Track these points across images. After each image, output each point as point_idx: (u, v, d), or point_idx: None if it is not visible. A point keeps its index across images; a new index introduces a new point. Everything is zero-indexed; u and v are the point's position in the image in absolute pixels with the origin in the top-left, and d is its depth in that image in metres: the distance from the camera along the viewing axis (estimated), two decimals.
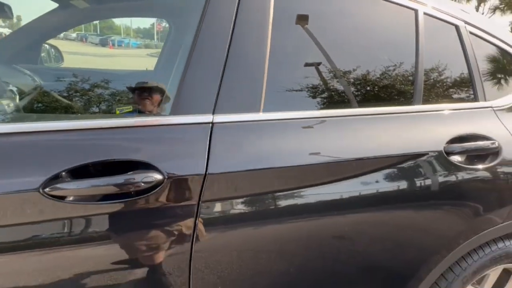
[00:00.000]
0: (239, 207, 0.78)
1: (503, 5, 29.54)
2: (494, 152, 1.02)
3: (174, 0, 1.48)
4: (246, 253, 0.80)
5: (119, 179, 0.66)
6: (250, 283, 0.83)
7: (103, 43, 1.88)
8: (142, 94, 0.92)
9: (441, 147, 0.95)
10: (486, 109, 1.10)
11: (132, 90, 0.98)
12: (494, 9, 30.66)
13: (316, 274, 0.89)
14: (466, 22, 1.12)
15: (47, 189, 0.63)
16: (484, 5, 31.54)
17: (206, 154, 0.74)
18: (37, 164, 0.65)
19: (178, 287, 0.75)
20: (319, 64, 0.94)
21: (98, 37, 1.85)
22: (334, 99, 0.97)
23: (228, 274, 0.79)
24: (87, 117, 0.89)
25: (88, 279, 0.69)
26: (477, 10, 31.93)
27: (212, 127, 0.76)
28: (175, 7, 1.40)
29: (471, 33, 1.12)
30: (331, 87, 0.98)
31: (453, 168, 0.96)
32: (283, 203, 0.82)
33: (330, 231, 0.87)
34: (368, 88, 1.02)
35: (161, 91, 0.91)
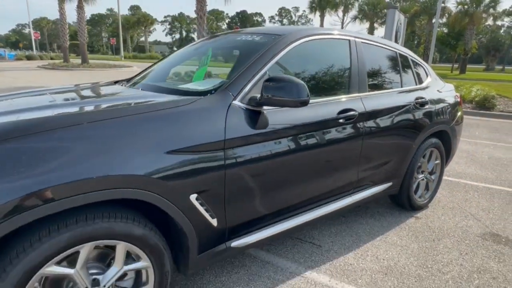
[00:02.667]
0: (373, 120, 2.33)
1: (361, 16, 36.95)
2: (426, 102, 2.82)
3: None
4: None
5: (350, 114, 2.15)
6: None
7: None
8: None
9: (413, 101, 2.69)
10: (420, 87, 2.91)
11: None
12: (355, 18, 38.18)
13: (363, 161, 2.50)
14: (409, 55, 2.92)
15: (335, 117, 2.07)
16: (347, 14, 38.62)
17: (362, 104, 2.27)
18: (334, 109, 2.08)
19: (356, 159, 2.26)
20: (371, 73, 2.56)
21: None
22: (376, 86, 2.59)
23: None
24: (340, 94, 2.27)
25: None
26: (342, 19, 38.88)
27: (361, 97, 2.30)
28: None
29: (412, 61, 2.92)
30: (375, 83, 2.61)
31: (418, 109, 2.71)
32: (377, 124, 2.40)
33: (376, 139, 2.48)
34: (386, 83, 2.69)
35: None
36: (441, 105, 3.01)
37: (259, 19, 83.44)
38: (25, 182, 1.12)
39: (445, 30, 33.63)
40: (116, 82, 2.52)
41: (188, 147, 1.48)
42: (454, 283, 2.09)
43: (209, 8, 14.45)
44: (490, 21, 34.55)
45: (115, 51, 55.45)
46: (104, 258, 1.45)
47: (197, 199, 1.54)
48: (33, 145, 1.20)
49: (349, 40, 2.37)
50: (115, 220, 1.34)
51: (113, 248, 1.42)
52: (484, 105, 9.40)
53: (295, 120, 1.88)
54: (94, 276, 1.39)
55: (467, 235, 2.70)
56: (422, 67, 3.09)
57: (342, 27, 41.98)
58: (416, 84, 2.91)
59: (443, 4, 28.12)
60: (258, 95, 1.72)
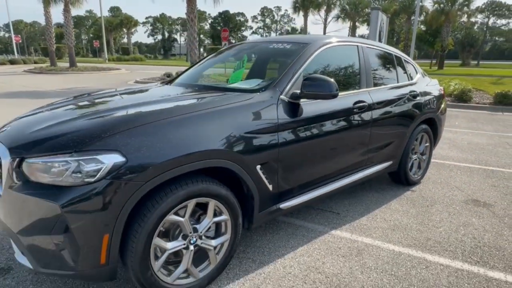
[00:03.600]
0: (378, 109, 2.91)
1: (343, 15, 37.98)
2: (417, 95, 3.43)
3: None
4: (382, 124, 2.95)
5: (362, 105, 2.72)
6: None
7: None
8: None
9: (407, 93, 3.30)
10: (411, 82, 3.52)
11: None
12: (337, 18, 39.22)
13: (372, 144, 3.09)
14: (402, 56, 3.52)
15: (352, 107, 2.64)
16: (330, 14, 39.61)
17: (370, 97, 2.84)
18: (350, 101, 2.65)
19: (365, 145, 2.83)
20: (374, 71, 3.14)
21: None
22: (378, 82, 3.18)
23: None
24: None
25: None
26: (325, 18, 39.86)
27: (369, 91, 2.87)
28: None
29: (404, 60, 3.53)
30: (378, 79, 3.19)
31: (411, 100, 3.32)
32: (381, 113, 2.98)
33: (381, 126, 3.07)
34: (386, 79, 3.28)
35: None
36: (429, 97, 3.63)
37: (242, 19, 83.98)
38: (169, 149, 1.65)
39: (423, 27, 35.06)
40: (162, 83, 3.01)
41: (256, 129, 2.01)
42: (446, 233, 2.70)
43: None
44: (464, 19, 36.28)
45: (98, 54, 54.79)
46: (195, 215, 1.97)
47: (260, 169, 2.07)
48: (164, 126, 1.72)
49: (357, 46, 2.94)
50: (209, 183, 1.86)
51: (201, 207, 1.94)
52: (462, 98, 10.24)
53: (322, 110, 2.43)
54: (193, 225, 1.90)
55: (453, 201, 3.33)
56: (412, 65, 3.71)
57: (324, 27, 43.03)
58: (409, 80, 3.52)
59: (420, 3, 29.46)
60: (298, 91, 2.26)
